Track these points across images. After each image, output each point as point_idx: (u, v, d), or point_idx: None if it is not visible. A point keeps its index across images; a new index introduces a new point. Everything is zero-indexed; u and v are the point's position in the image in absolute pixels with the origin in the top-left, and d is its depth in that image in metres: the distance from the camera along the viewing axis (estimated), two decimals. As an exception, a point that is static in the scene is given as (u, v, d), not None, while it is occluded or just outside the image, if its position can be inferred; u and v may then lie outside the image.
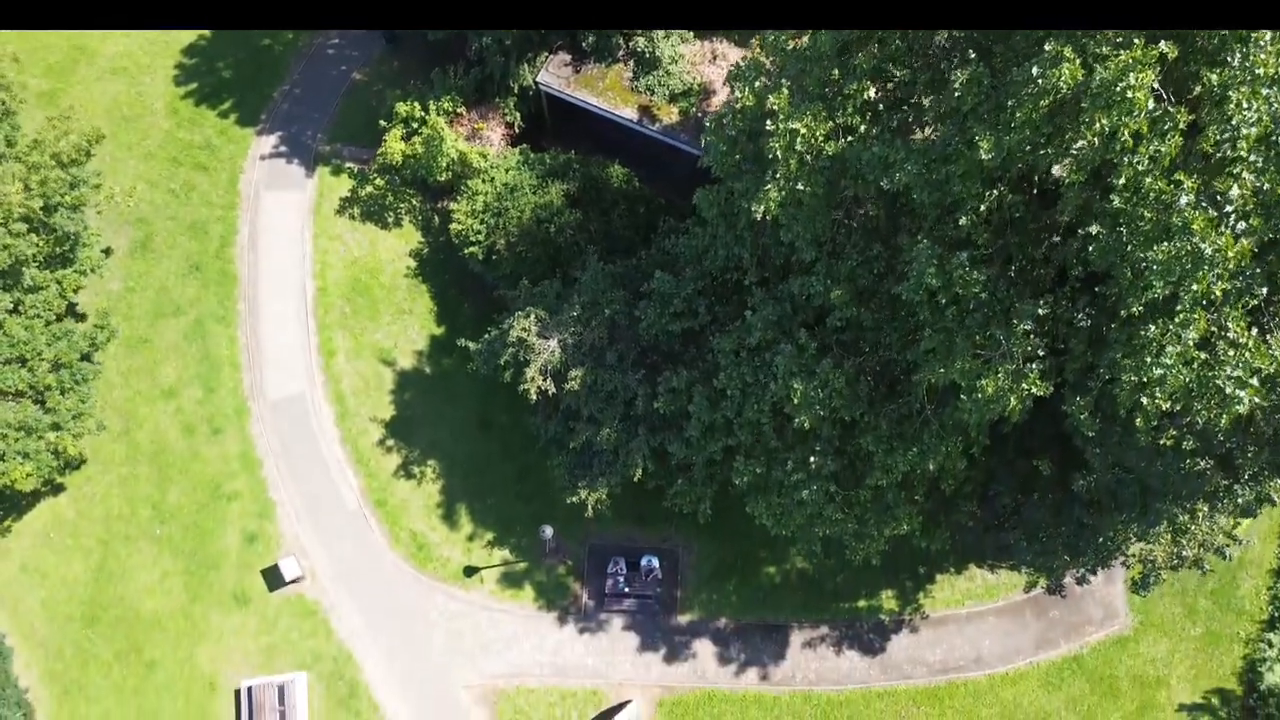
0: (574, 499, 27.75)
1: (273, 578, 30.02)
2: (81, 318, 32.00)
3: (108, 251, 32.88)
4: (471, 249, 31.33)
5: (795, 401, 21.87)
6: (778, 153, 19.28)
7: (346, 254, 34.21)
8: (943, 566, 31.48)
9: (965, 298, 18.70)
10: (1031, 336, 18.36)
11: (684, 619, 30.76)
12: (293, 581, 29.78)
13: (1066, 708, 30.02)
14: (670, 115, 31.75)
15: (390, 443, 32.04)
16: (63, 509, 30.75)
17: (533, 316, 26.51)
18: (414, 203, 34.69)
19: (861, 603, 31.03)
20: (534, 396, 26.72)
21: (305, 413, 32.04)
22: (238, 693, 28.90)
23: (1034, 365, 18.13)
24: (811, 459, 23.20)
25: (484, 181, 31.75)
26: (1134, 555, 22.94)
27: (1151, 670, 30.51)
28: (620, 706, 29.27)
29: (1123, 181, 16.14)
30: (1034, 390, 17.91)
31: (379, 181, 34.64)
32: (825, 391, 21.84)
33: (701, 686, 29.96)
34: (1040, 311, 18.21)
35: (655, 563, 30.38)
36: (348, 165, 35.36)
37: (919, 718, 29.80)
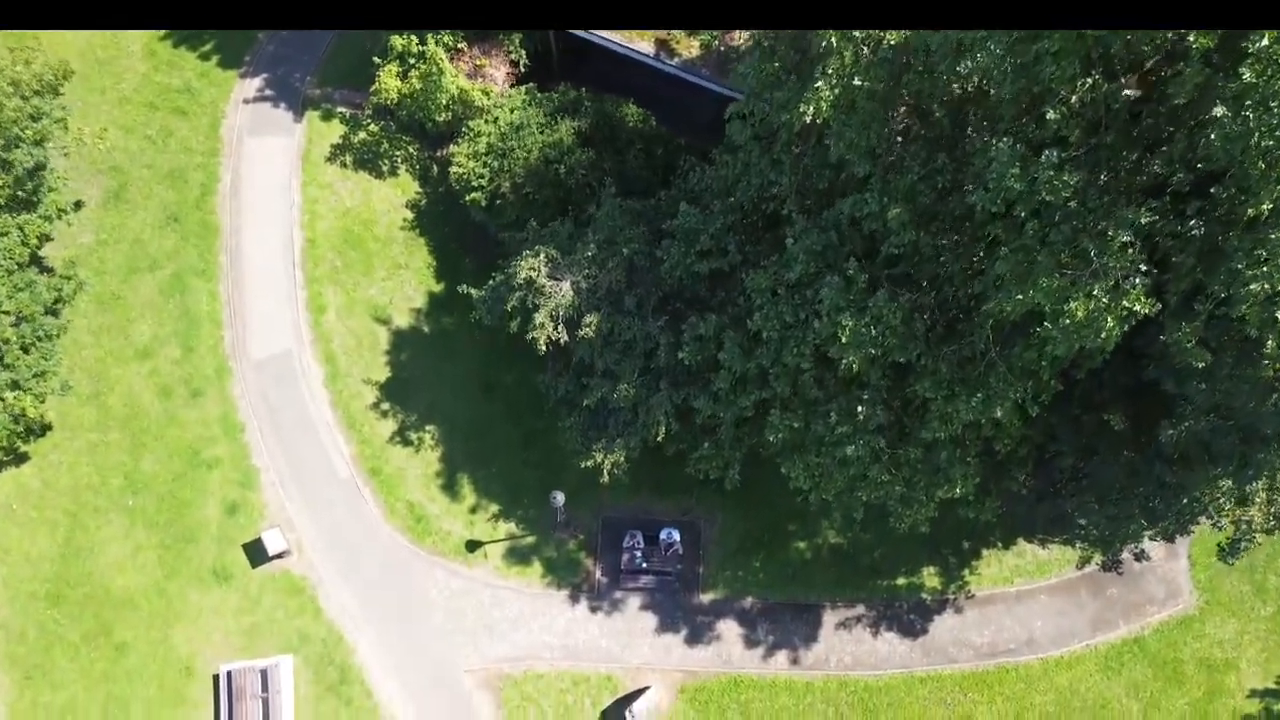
0: (588, 463, 25.05)
1: (256, 552, 27.32)
2: (49, 271, 29.30)
3: (79, 205, 30.18)
4: (474, 195, 28.64)
5: (843, 340, 19.20)
6: (832, 40, 16.58)
7: (338, 204, 31.51)
8: (989, 541, 28.80)
9: (1051, 206, 16.02)
10: (1131, 250, 15.67)
11: (707, 598, 28.07)
12: (278, 556, 27.10)
13: (1128, 694, 27.37)
14: (690, 50, 29.04)
15: (385, 406, 29.35)
16: (26, 479, 28.03)
17: (542, 255, 23.81)
18: (411, 150, 32.00)
19: (901, 580, 28.35)
20: (543, 347, 24.04)
21: (292, 373, 29.35)
22: (216, 678, 26.22)
23: (1136, 280, 15.44)
24: (859, 409, 20.52)
25: (487, 122, 29.07)
26: (1225, 516, 20.25)
27: (1219, 653, 27.86)
28: (638, 693, 26.60)
29: (1257, 48, 13.46)
30: (1137, 308, 15.23)
31: (373, 127, 31.95)
32: (878, 329, 19.17)
33: (726, 671, 27.28)
34: (1142, 220, 15.51)
35: (676, 536, 27.68)
36: (339, 110, 32.66)
37: (966, 705, 27.12)
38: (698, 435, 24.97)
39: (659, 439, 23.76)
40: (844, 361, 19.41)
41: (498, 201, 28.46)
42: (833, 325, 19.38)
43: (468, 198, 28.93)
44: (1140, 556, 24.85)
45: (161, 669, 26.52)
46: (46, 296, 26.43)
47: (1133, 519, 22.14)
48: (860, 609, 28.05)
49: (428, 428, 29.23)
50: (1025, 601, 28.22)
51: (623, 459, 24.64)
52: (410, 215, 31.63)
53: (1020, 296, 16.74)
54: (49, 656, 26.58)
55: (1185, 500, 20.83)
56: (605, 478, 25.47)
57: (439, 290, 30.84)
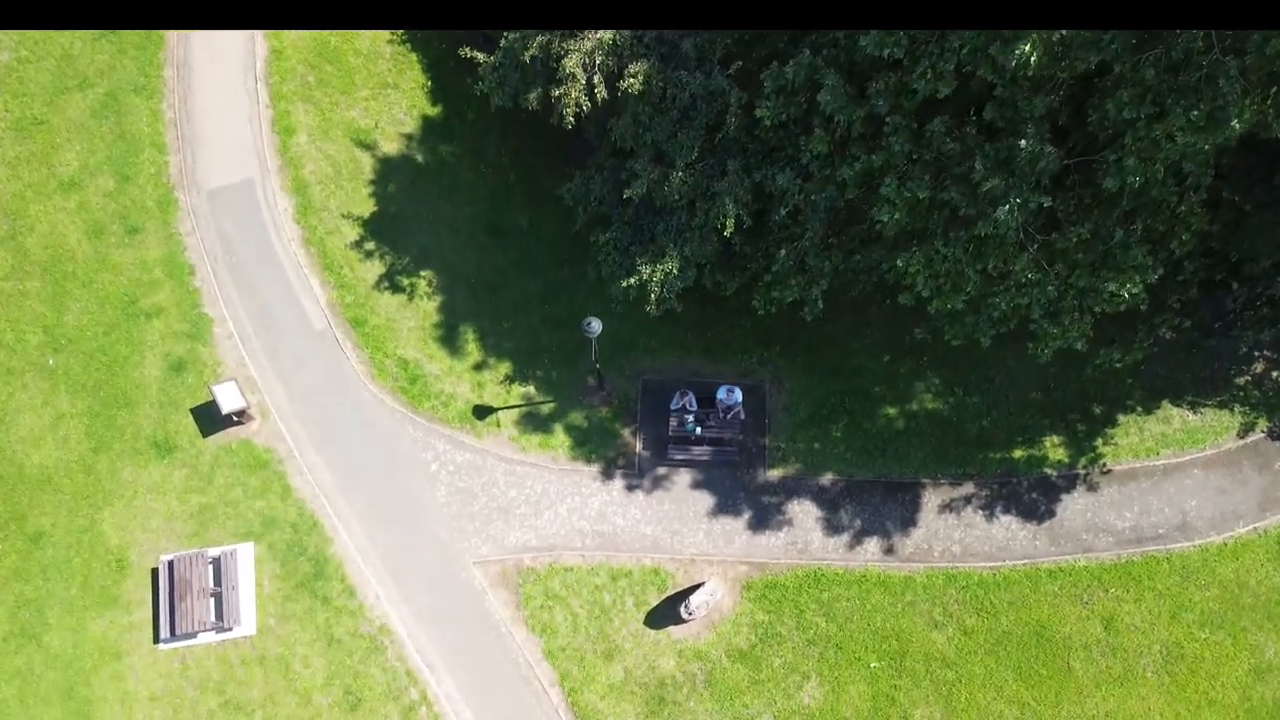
0: (630, 282, 19.31)
1: (207, 417, 21.63)
2: (-48, 87, 23.63)
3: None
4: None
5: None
6: None
7: (311, 13, 25.68)
8: (1125, 404, 23.01)
9: None
10: None
11: (775, 474, 22.32)
12: (236, 419, 21.38)
13: (1312, 586, 21.63)
14: None
15: (370, 246, 23.60)
16: (-78, 336, 22.36)
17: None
18: (400, -47, 26.16)
19: (1018, 453, 22.58)
20: (571, 119, 18.29)
21: (254, 206, 23.58)
22: (155, 571, 20.53)
23: None
24: (1022, 144, 14.75)
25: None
26: None
27: None
28: (693, 589, 20.90)
29: None
30: None
31: (354, -76, 26.12)
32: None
33: (803, 563, 21.56)
34: None
35: (738, 395, 21.92)
36: (313, -94, 26.83)
37: (1108, 602, 21.39)
38: (770, 248, 19.23)
39: (728, 231, 17.90)
40: (1016, 55, 13.59)
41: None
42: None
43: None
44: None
45: (86, 563, 20.81)
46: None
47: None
48: (969, 488, 22.29)
49: (422, 274, 23.49)
50: (1175, 477, 22.44)
51: (675, 272, 18.87)
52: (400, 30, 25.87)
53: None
54: (-56, 550, 20.91)
55: None
56: (653, 306, 19.72)
57: (435, 114, 25.07)
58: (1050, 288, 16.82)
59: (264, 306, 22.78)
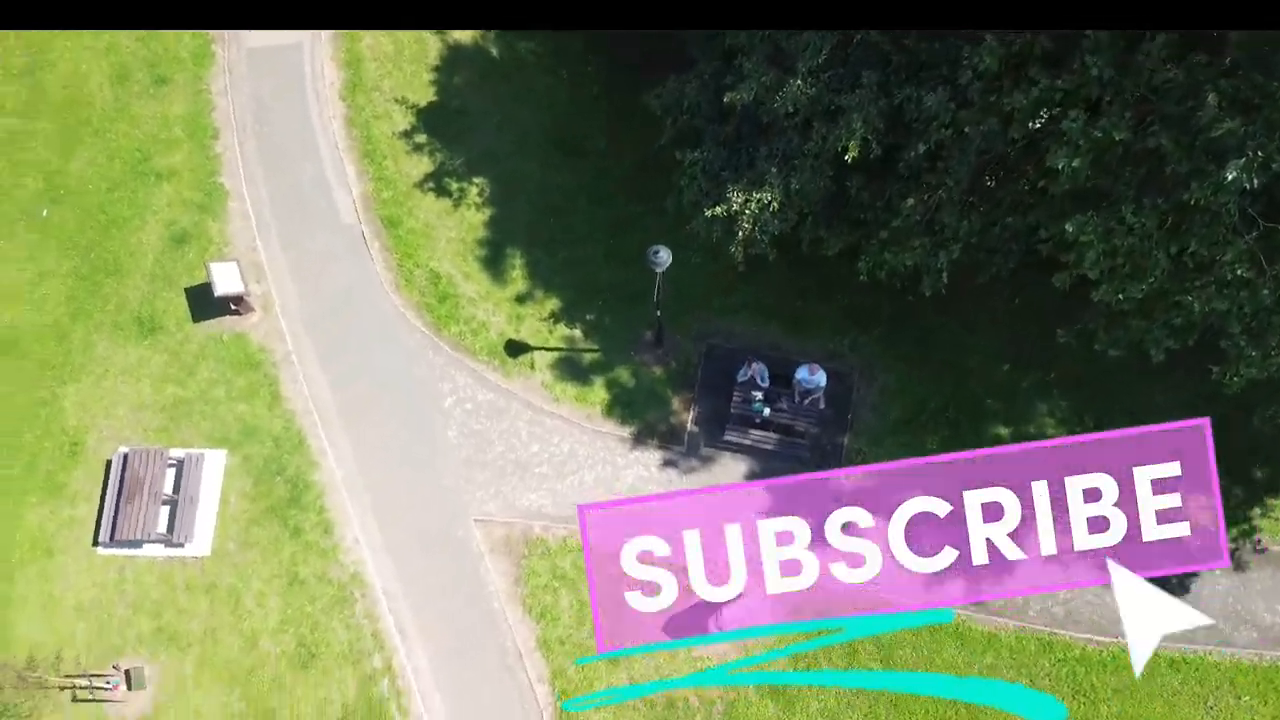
0: (715, 211, 15.60)
1: (202, 301, 18.65)
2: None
3: None
4: None
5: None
6: None
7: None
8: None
9: None
10: None
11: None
12: (233, 307, 18.38)
13: None
14: None
15: (421, 139, 20.36)
16: (-85, 162, 19.87)
17: None
18: None
19: (1151, 506, 18.27)
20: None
21: (298, 73, 20.55)
22: (109, 464, 17.59)
23: None
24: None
25: None
26: None
27: None
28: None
29: None
30: None
31: None
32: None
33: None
34: None
35: (822, 378, 18.09)
36: None
37: (1238, 712, 17.02)
38: (894, 198, 15.35)
39: (851, 157, 14.04)
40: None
41: None
42: None
43: None
44: None
45: (38, 440, 17.99)
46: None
47: None
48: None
49: (475, 180, 20.17)
50: (1352, 571, 17.95)
51: (775, 206, 15.08)
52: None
53: None
54: (-113, 403, 18.33)
55: None
56: (739, 247, 16.00)
57: (523, 6, 21.67)
58: (1265, 292, 12.67)
59: (289, 187, 19.72)
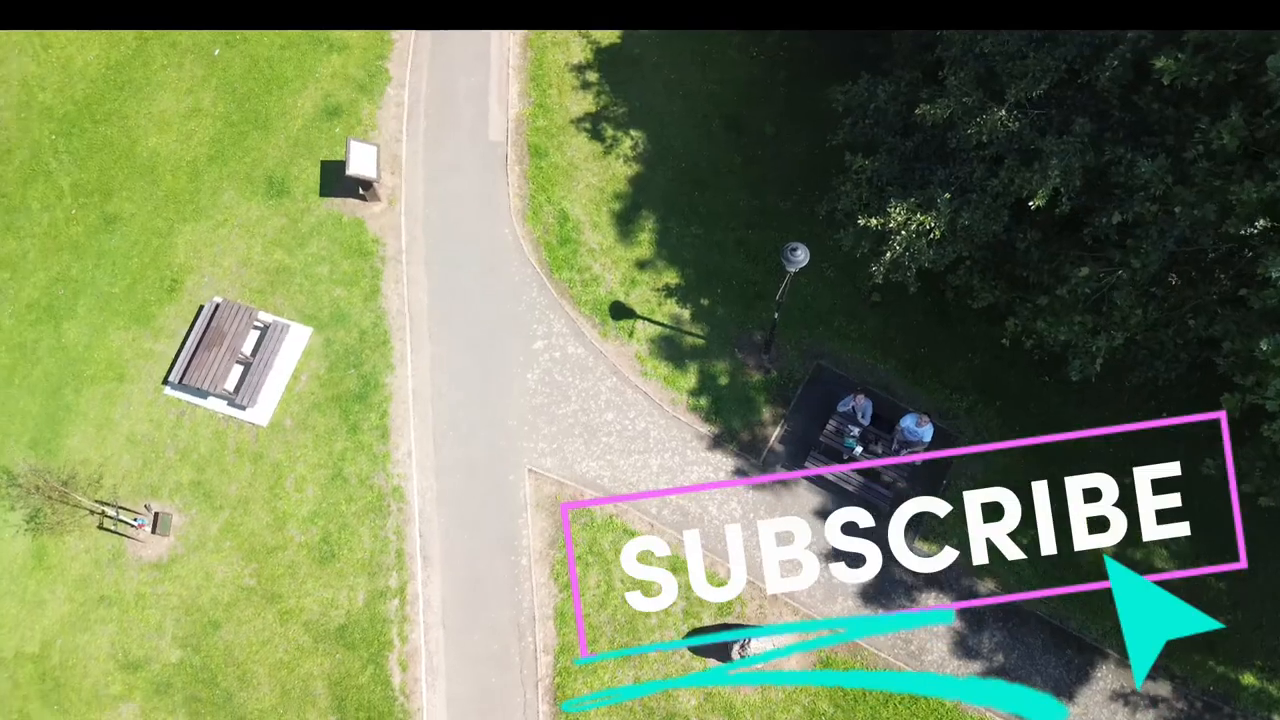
0: (869, 222, 14.36)
1: (332, 177, 18.49)
2: None
3: None
4: None
5: None
6: None
7: None
8: None
9: None
10: None
11: (923, 546, 17.01)
12: (361, 189, 18.13)
13: None
14: None
15: (591, 77, 19.69)
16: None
17: None
18: None
19: (1248, 679, 16.26)
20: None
21: (490, -19, 20.10)
22: (202, 310, 17.57)
23: None
24: None
25: None
26: None
27: None
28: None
29: None
30: None
31: None
32: None
33: (907, 668, 16.26)
34: None
35: (928, 431, 16.64)
36: None
37: None
38: (1066, 265, 13.81)
39: (1035, 204, 12.62)
40: None
41: None
42: None
43: None
44: None
45: (143, 267, 18.16)
46: None
47: None
48: (1164, 688, 16.23)
49: (633, 132, 19.38)
50: None
51: (937, 234, 13.75)
52: None
53: None
54: (25, 191, 18.77)
55: None
56: (882, 269, 14.74)
57: (730, -27, 20.71)
58: None
59: (449, 88, 19.35)
